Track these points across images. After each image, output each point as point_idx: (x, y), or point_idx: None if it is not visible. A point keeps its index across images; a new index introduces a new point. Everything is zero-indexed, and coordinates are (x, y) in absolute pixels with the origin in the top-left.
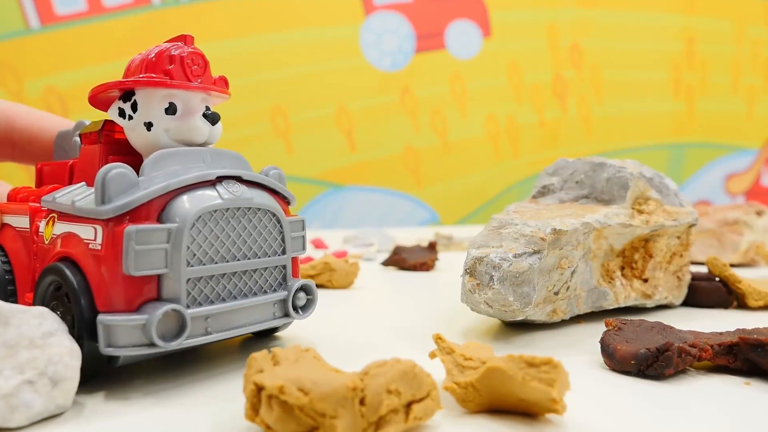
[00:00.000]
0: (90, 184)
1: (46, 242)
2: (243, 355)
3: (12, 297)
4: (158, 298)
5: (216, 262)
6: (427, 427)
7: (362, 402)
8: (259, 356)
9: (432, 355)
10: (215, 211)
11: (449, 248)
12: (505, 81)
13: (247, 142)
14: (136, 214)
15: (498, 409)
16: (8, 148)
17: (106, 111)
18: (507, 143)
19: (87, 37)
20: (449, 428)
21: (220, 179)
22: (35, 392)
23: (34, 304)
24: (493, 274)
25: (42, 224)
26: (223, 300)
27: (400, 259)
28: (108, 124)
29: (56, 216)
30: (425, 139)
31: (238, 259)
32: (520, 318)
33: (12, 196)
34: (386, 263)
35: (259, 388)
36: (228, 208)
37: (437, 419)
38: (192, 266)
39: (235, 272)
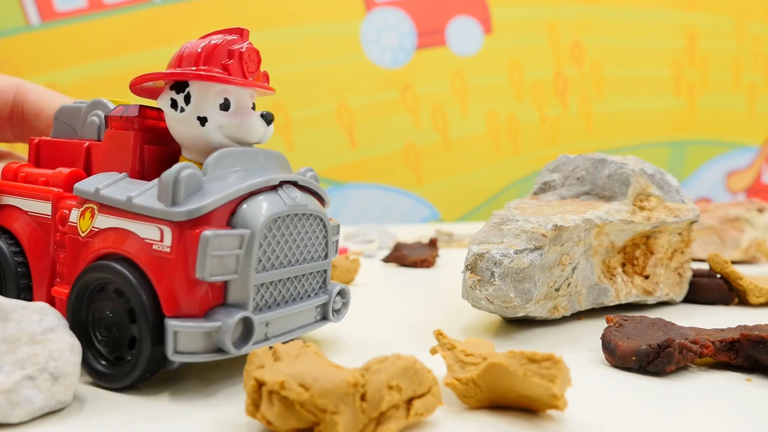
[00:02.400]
0: (130, 173)
1: (83, 234)
2: None
3: (25, 292)
4: (224, 303)
5: (276, 268)
6: (428, 423)
7: (363, 398)
8: (260, 352)
9: (433, 351)
10: (279, 217)
11: (450, 245)
12: (506, 78)
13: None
14: (207, 218)
15: (499, 405)
16: (18, 121)
17: (147, 98)
18: (508, 140)
19: (87, 34)
20: (450, 424)
21: (281, 183)
22: (36, 388)
23: (69, 300)
24: (494, 270)
25: (74, 214)
26: (278, 305)
27: (401, 256)
28: (142, 110)
29: (96, 207)
30: (426, 136)
31: (293, 265)
32: (521, 314)
33: (10, 174)
34: (387, 260)
35: (260, 384)
36: (289, 214)
37: (438, 415)
38: (258, 272)
39: (289, 278)
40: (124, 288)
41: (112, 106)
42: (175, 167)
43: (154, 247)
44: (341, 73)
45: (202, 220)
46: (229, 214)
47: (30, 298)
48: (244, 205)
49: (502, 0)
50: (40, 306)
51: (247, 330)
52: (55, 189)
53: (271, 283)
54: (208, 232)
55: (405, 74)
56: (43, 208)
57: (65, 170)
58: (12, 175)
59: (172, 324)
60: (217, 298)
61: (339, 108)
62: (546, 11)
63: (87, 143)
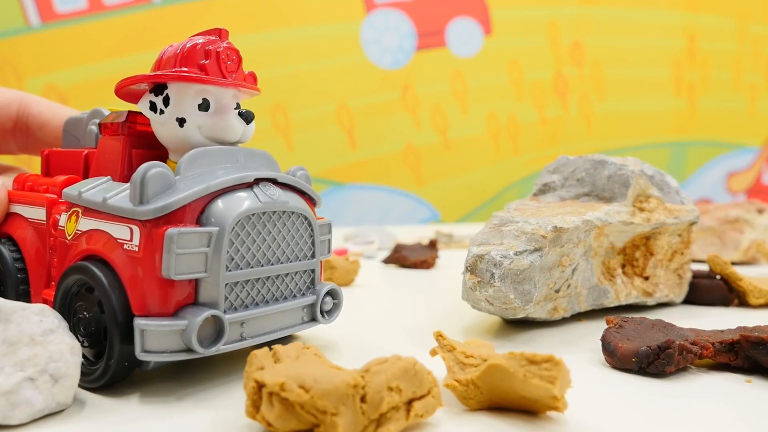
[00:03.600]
0: (115, 178)
1: (69, 238)
2: (244, 353)
3: (24, 297)
4: (195, 303)
5: (252, 267)
6: (428, 424)
7: (363, 399)
8: (260, 353)
9: (433, 353)
10: (253, 214)
11: (450, 246)
12: (506, 79)
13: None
14: (175, 215)
15: (499, 406)
16: (22, 134)
17: (133, 103)
18: (508, 141)
19: (87, 35)
20: (450, 426)
21: (257, 181)
22: (36, 389)
23: (55, 302)
24: (494, 271)
25: (63, 218)
26: (257, 305)
27: (401, 257)
28: (131, 115)
29: (80, 211)
30: (426, 136)
31: (272, 264)
32: (521, 315)
33: (19, 184)
34: (387, 261)
35: (260, 386)
36: (265, 212)
37: (438, 417)
38: (230, 271)
39: (269, 276)
40: (96, 287)
41: (107, 113)
42: (144, 166)
43: (125, 246)
44: (341, 73)
45: (170, 219)
46: (199, 212)
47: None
48: (215, 203)
49: (502, 1)
50: (40, 308)
51: (218, 329)
52: (50, 195)
53: (247, 282)
54: (172, 230)
55: (405, 75)
56: (40, 214)
57: (62, 178)
58: (21, 184)
59: (139, 323)
60: (187, 297)
61: (339, 109)
62: (546, 11)
63: (86, 151)
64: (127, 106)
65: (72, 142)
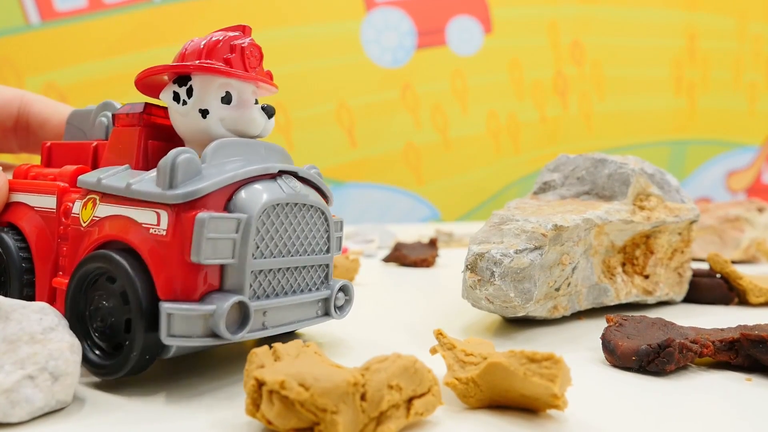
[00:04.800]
0: (134, 166)
1: (84, 225)
2: (244, 351)
3: (28, 287)
4: (220, 289)
5: (275, 256)
6: (428, 422)
7: (363, 397)
8: (260, 351)
9: (433, 351)
10: (278, 204)
11: (450, 245)
12: (506, 77)
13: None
14: (203, 201)
15: (499, 404)
16: (23, 132)
17: (150, 95)
18: (508, 140)
19: (87, 34)
20: (450, 424)
21: (280, 173)
22: (36, 387)
23: (68, 291)
24: (494, 270)
25: (77, 206)
26: (277, 295)
27: (401, 256)
28: (147, 107)
29: (98, 197)
30: (426, 135)
31: (292, 255)
32: (521, 314)
33: (20, 174)
34: (387, 260)
35: (260, 384)
36: (288, 203)
37: (438, 415)
38: (256, 258)
39: (289, 268)
40: (119, 274)
41: (119, 106)
42: (173, 152)
43: (151, 231)
44: (341, 72)
45: (199, 204)
46: (227, 199)
47: (32, 293)
48: (242, 191)
49: (502, 0)
50: (40, 306)
51: (243, 316)
52: (61, 183)
53: (269, 271)
54: (203, 215)
55: (405, 74)
56: (49, 202)
57: (72, 167)
58: (23, 175)
59: (166, 307)
60: (213, 284)
61: (339, 108)
62: (546, 11)
63: (95, 143)
64: (137, 100)
65: (77, 135)
